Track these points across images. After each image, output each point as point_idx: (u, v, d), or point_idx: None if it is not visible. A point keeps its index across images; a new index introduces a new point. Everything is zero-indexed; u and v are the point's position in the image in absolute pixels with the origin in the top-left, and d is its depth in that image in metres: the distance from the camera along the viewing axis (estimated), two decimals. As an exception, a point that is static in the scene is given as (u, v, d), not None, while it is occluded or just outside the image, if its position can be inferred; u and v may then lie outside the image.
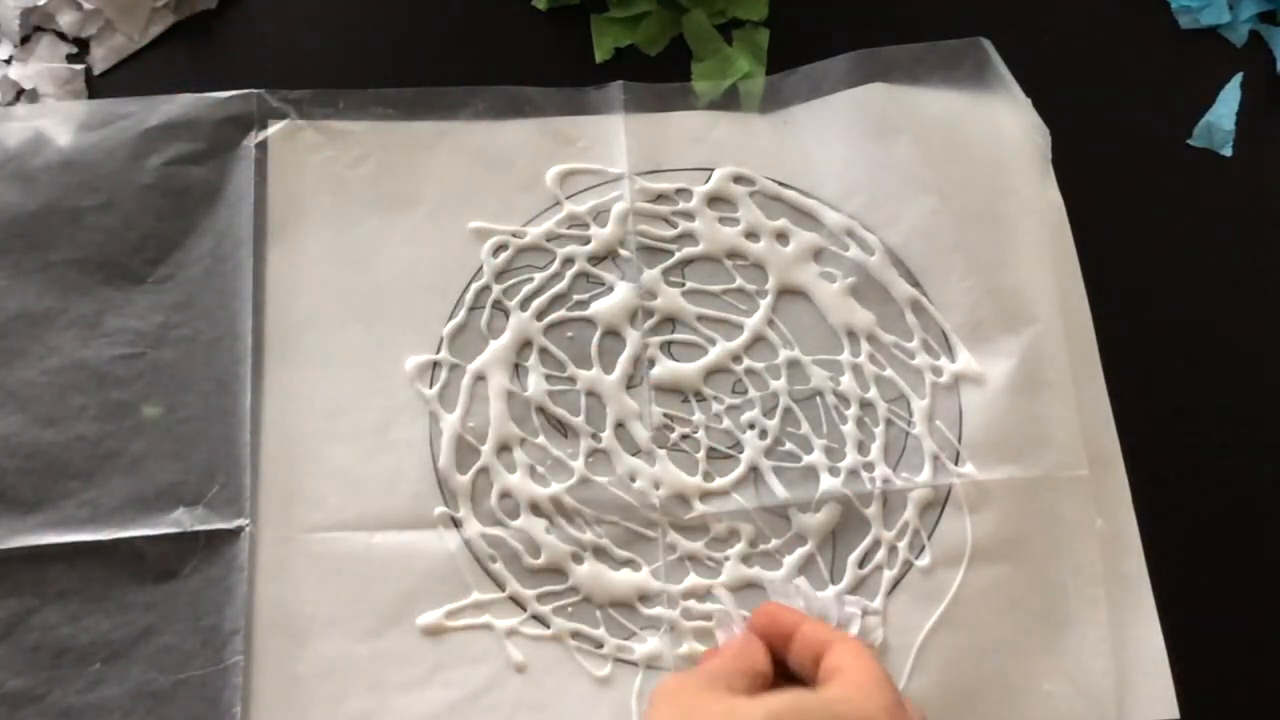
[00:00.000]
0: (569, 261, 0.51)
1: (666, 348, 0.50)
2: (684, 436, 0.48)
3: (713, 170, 0.52)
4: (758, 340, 0.50)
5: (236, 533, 0.46)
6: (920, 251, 0.51)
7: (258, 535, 0.46)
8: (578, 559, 0.46)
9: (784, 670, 0.42)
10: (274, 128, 0.52)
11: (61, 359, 0.48)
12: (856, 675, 0.39)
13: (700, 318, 0.50)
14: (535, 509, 0.47)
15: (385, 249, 0.51)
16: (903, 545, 0.47)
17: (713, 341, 0.50)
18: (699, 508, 0.47)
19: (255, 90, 0.52)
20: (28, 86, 0.53)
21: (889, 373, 0.49)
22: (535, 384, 0.49)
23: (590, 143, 0.53)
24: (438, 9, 0.56)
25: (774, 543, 0.47)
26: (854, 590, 0.46)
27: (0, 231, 0.50)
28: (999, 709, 0.44)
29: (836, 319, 0.50)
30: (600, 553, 0.47)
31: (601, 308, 0.50)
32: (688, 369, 0.49)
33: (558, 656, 0.45)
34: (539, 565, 0.46)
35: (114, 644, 0.44)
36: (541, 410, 0.49)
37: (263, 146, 0.52)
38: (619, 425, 0.48)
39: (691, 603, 0.46)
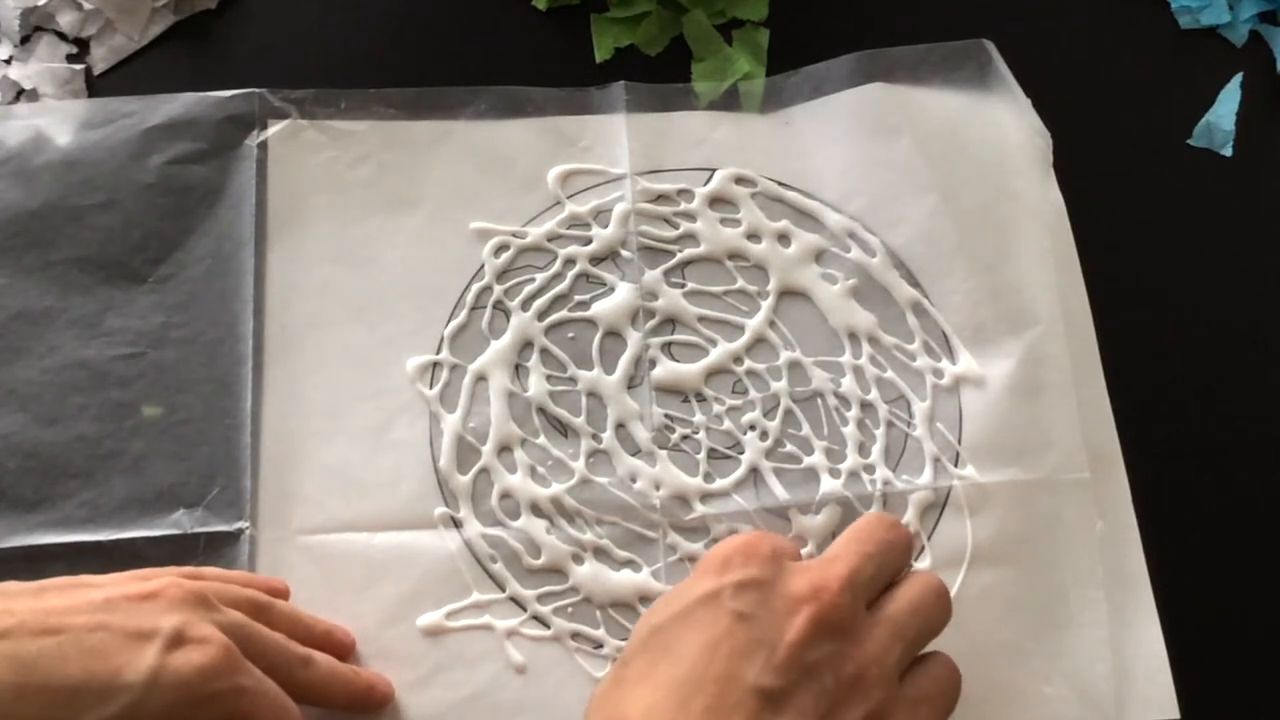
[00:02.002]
0: (570, 262, 0.51)
1: (667, 348, 0.50)
2: (685, 437, 0.48)
3: (714, 171, 0.52)
4: (759, 341, 0.50)
5: (236, 535, 0.46)
6: (921, 253, 0.51)
7: (257, 537, 0.46)
8: (578, 559, 0.47)
9: None
10: (275, 127, 0.52)
11: (62, 358, 0.48)
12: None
13: (701, 319, 0.50)
14: (536, 509, 0.47)
15: (386, 249, 0.51)
16: (903, 547, 0.47)
17: (714, 342, 0.50)
18: (699, 509, 0.47)
19: (257, 90, 0.52)
20: (28, 86, 0.53)
21: (890, 374, 0.49)
22: (536, 384, 0.49)
23: (592, 143, 0.53)
24: (438, 9, 0.56)
25: (774, 544, 0.47)
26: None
27: (1, 230, 0.50)
28: (999, 711, 0.44)
29: (838, 320, 0.50)
30: (601, 553, 0.47)
31: (603, 308, 0.50)
32: (688, 370, 0.49)
33: (558, 657, 0.45)
34: (539, 566, 0.46)
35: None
36: (542, 411, 0.49)
37: (264, 146, 0.52)
38: (620, 426, 0.48)
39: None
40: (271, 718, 0.39)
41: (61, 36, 0.54)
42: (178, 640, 0.37)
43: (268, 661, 0.39)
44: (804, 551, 0.46)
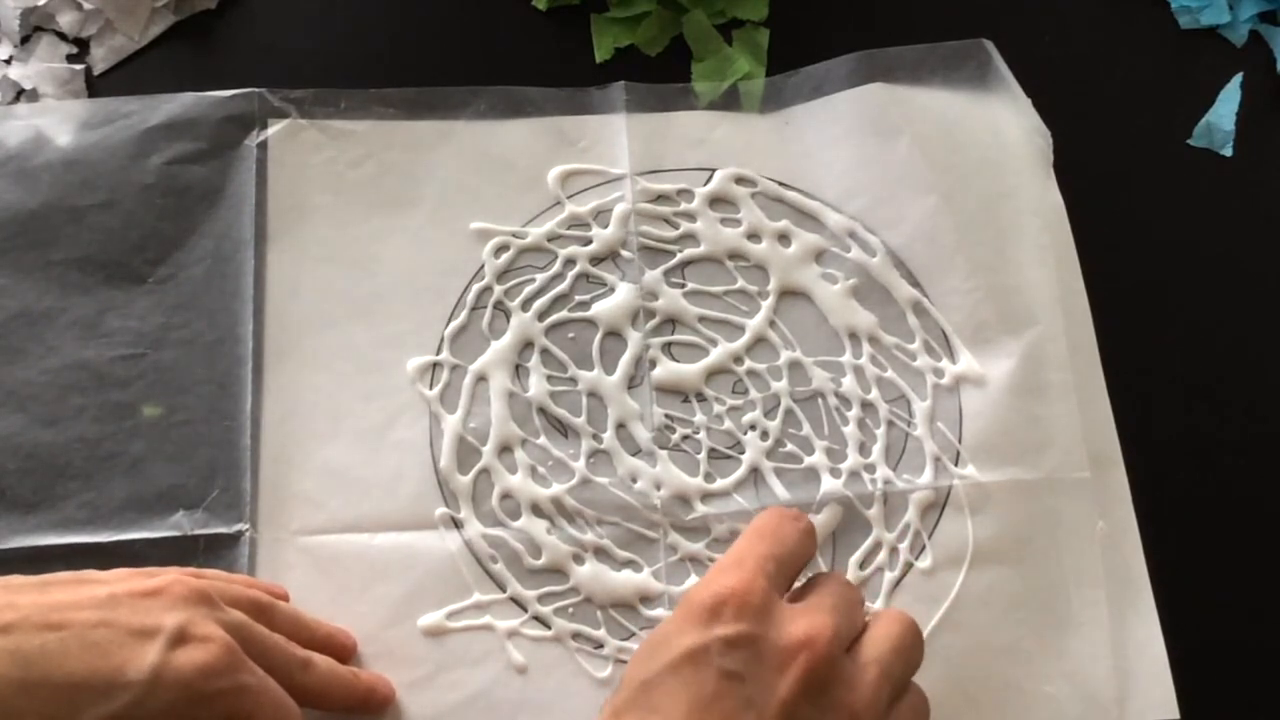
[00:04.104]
0: (570, 262, 0.51)
1: (668, 349, 0.50)
2: (685, 437, 0.48)
3: (714, 171, 0.52)
4: (759, 341, 0.50)
5: (236, 537, 0.46)
6: (922, 253, 0.51)
7: (258, 539, 0.46)
8: (579, 560, 0.46)
9: None
10: (275, 127, 0.52)
11: (61, 359, 0.48)
12: (714, 565, 0.39)
13: (701, 319, 0.50)
14: (536, 510, 0.47)
15: (386, 249, 0.51)
16: (904, 547, 0.47)
17: (714, 342, 0.50)
18: (700, 509, 0.47)
19: (257, 90, 0.52)
20: (28, 86, 0.53)
21: (890, 374, 0.49)
22: (536, 385, 0.49)
23: (592, 143, 0.53)
24: (438, 9, 0.56)
25: (775, 544, 0.47)
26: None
27: (0, 230, 0.50)
28: (1000, 711, 0.44)
29: (838, 320, 0.50)
30: (601, 553, 0.47)
31: (603, 308, 0.50)
32: (689, 370, 0.49)
33: (559, 657, 0.45)
34: (540, 566, 0.46)
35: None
36: (543, 411, 0.49)
37: (264, 146, 0.52)
38: (620, 426, 0.48)
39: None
40: (273, 717, 0.39)
41: (61, 36, 0.54)
42: (181, 638, 0.37)
43: (268, 663, 0.39)
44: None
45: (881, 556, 0.47)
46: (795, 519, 0.41)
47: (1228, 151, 0.55)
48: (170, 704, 0.36)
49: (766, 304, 0.50)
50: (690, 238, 0.51)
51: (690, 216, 0.52)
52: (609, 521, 0.47)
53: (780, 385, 0.49)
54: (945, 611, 0.45)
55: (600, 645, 0.45)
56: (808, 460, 0.48)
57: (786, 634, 0.36)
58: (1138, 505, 0.48)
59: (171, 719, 0.36)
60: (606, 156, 0.52)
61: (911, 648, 0.39)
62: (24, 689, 0.35)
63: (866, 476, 0.48)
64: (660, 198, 0.52)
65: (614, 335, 0.50)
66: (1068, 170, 0.53)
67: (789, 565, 0.39)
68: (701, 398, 0.49)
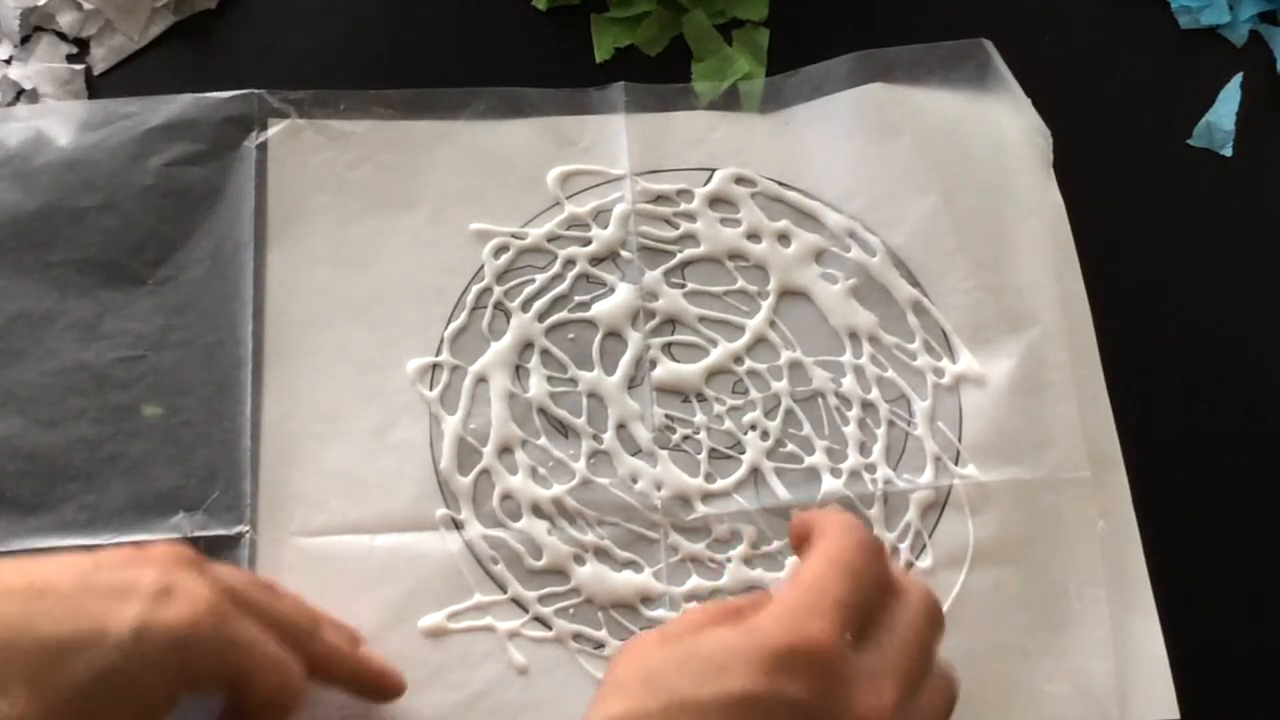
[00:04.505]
0: (570, 263, 0.51)
1: (668, 349, 0.50)
2: (685, 437, 0.48)
3: (714, 171, 0.52)
4: (759, 341, 0.50)
5: (236, 539, 0.46)
6: (922, 252, 0.51)
7: (258, 540, 0.46)
8: (579, 560, 0.46)
9: None
10: (275, 128, 0.52)
11: (61, 361, 0.48)
12: (787, 597, 0.35)
13: (701, 319, 0.50)
14: (537, 510, 0.47)
15: (386, 250, 0.51)
16: (904, 546, 0.47)
17: (714, 343, 0.50)
18: (700, 509, 0.47)
19: (256, 90, 0.52)
20: (28, 86, 0.53)
21: (890, 374, 0.49)
22: (537, 385, 0.49)
23: (591, 143, 0.53)
24: (438, 9, 0.56)
25: (776, 544, 0.47)
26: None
27: (0, 231, 0.50)
28: (1001, 710, 0.44)
29: (838, 320, 0.50)
30: (602, 554, 0.47)
31: (603, 309, 0.50)
32: (689, 370, 0.49)
33: (559, 658, 0.45)
34: (541, 567, 0.46)
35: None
36: (543, 412, 0.49)
37: (263, 147, 0.52)
38: (620, 426, 0.48)
39: (694, 605, 0.46)
40: (270, 678, 0.37)
41: (61, 36, 0.54)
42: (165, 593, 0.36)
43: (274, 625, 0.38)
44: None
45: (882, 557, 0.47)
46: (876, 554, 0.37)
47: (1228, 151, 0.55)
48: (159, 660, 0.35)
49: (766, 304, 0.50)
50: (690, 238, 0.51)
51: (690, 217, 0.52)
52: (609, 522, 0.47)
53: (780, 385, 0.49)
54: (946, 611, 0.45)
55: (601, 646, 0.45)
56: (808, 460, 0.48)
57: (846, 710, 0.34)
58: (1138, 505, 0.48)
59: (163, 675, 0.35)
60: (606, 157, 0.52)
61: (945, 708, 0.37)
62: (9, 653, 0.34)
63: (867, 476, 0.48)
64: (660, 198, 0.52)
65: (614, 335, 0.50)
66: (1068, 170, 0.53)
67: (861, 611, 0.36)
68: (702, 398, 0.49)
